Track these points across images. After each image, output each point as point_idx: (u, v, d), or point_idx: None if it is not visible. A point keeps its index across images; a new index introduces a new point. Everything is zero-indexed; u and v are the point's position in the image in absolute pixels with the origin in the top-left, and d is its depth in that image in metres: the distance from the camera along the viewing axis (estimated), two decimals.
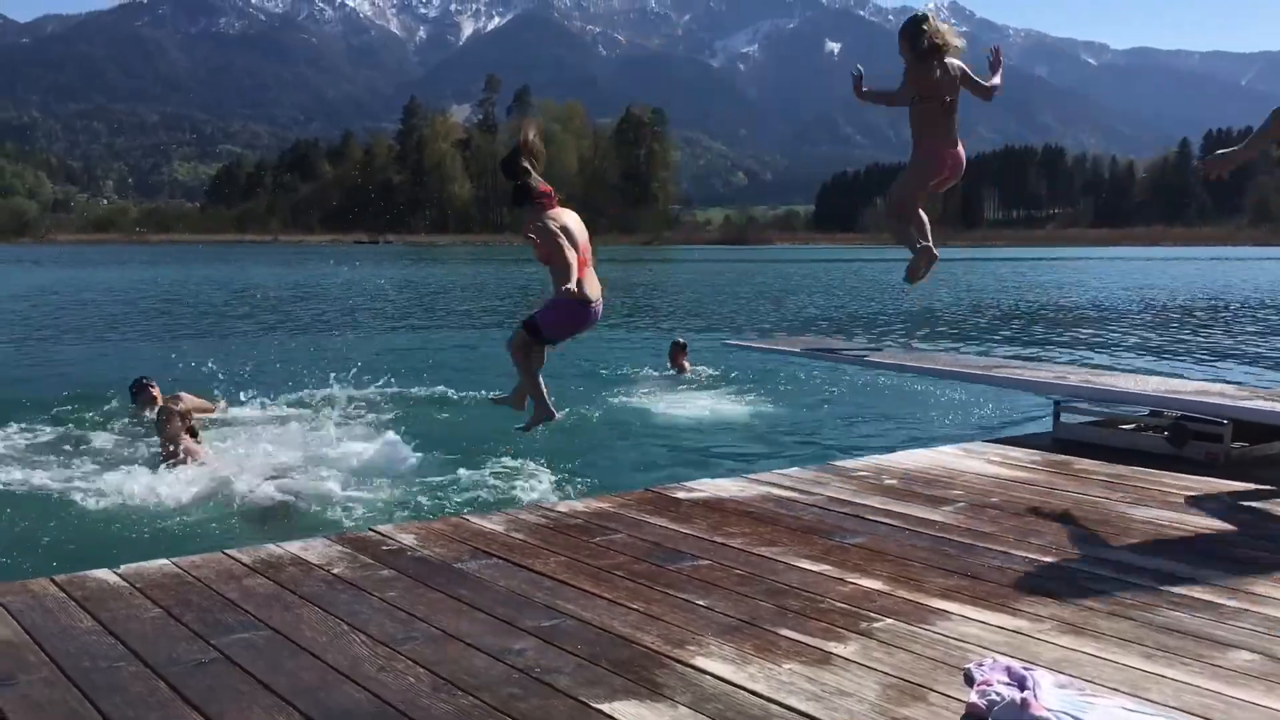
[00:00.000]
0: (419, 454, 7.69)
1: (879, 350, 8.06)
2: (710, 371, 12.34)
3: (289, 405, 9.74)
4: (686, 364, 12.54)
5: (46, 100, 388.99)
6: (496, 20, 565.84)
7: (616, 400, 10.59)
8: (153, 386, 9.43)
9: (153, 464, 7.32)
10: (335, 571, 3.43)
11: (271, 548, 3.71)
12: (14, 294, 31.09)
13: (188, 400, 8.24)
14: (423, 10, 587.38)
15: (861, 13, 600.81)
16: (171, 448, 7.24)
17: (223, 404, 9.66)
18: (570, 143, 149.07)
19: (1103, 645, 2.79)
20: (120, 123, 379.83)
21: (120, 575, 3.38)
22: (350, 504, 6.52)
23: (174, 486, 6.78)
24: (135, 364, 11.92)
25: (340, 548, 3.70)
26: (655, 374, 12.32)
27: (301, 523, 6.12)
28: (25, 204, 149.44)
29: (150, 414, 8.60)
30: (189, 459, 7.18)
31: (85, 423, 9.24)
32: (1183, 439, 5.25)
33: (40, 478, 7.18)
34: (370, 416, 9.50)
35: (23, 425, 8.88)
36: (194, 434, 7.45)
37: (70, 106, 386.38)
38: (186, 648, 2.76)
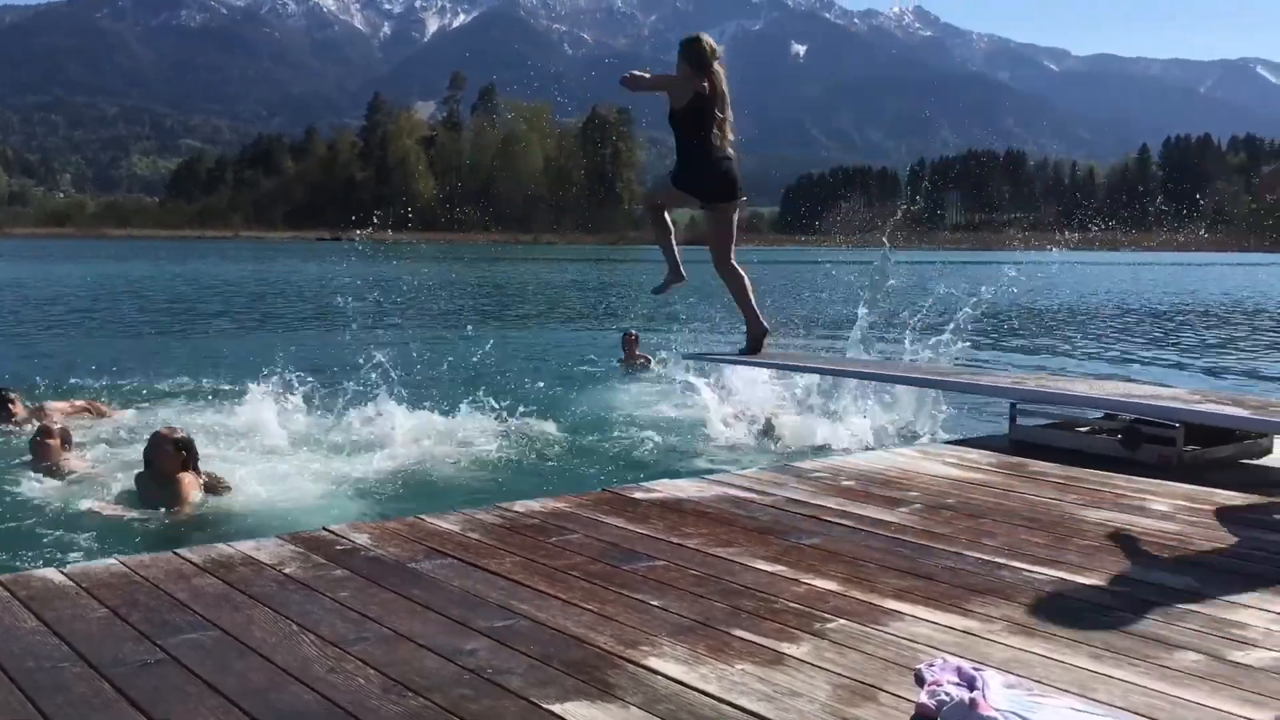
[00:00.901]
0: (377, 452, 7.64)
1: (840, 359, 8.11)
2: (663, 356, 12.37)
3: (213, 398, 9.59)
4: (639, 354, 12.63)
5: (2, 92, 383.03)
6: (462, 18, 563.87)
7: (574, 396, 10.58)
8: (12, 402, 8.31)
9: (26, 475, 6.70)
10: (287, 571, 3.39)
11: (222, 547, 3.67)
12: None
13: (54, 409, 7.61)
14: (387, 6, 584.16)
15: (827, 15, 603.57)
16: (51, 468, 6.72)
17: (112, 408, 9.06)
18: (536, 141, 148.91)
19: (1052, 646, 2.81)
20: (79, 115, 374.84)
21: (66, 575, 3.33)
22: (298, 504, 6.46)
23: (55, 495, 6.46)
24: (40, 362, 11.76)
25: (293, 547, 3.67)
26: (610, 367, 12.39)
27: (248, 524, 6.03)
28: None
29: (7, 426, 8.05)
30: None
31: None
32: (1136, 442, 5.31)
33: None
34: (327, 416, 9.41)
35: None
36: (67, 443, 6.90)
37: (28, 98, 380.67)
38: (133, 648, 2.72)
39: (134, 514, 6.04)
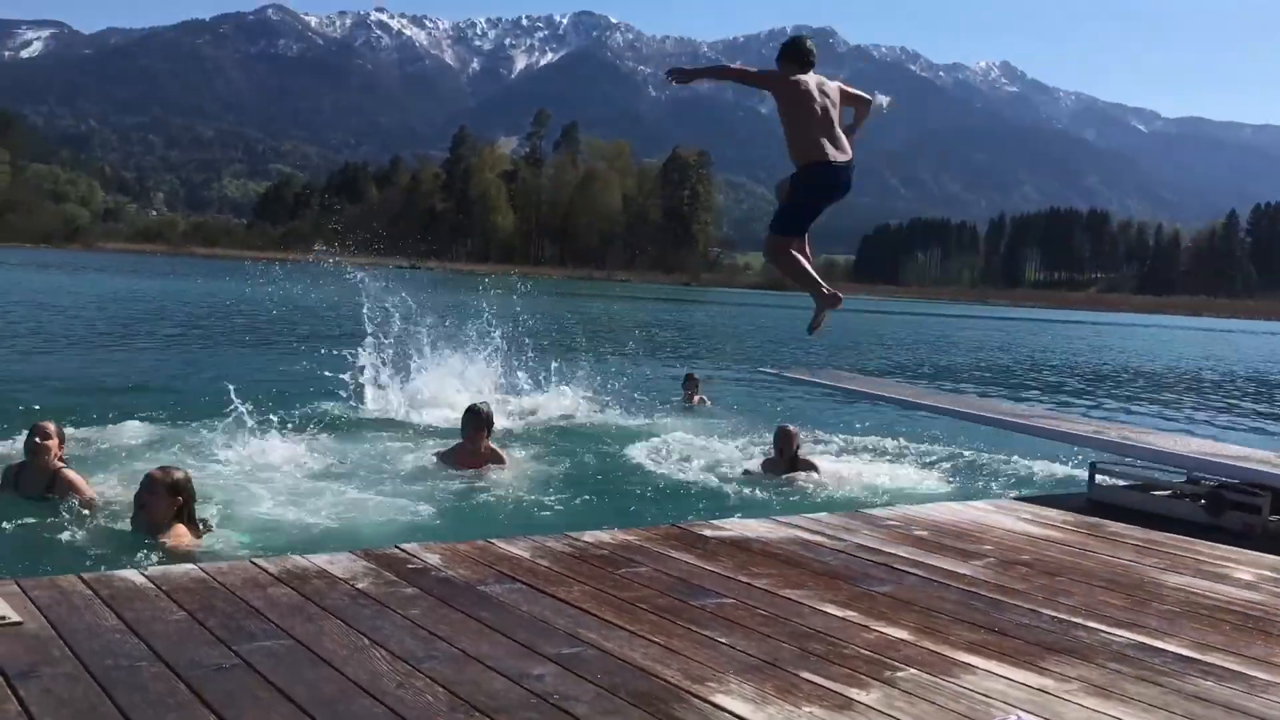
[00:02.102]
0: (451, 477, 7.68)
1: (920, 391, 8.02)
2: (715, 406, 12.51)
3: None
4: (697, 397, 12.70)
5: (104, 111, 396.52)
6: (550, 56, 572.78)
7: (641, 431, 10.53)
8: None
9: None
10: (360, 586, 3.43)
11: (298, 559, 3.73)
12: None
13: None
14: (477, 43, 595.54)
15: (912, 67, 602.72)
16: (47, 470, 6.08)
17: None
18: (615, 180, 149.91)
19: (1130, 709, 2.74)
20: (175, 137, 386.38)
21: (147, 577, 3.40)
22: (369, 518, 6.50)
23: None
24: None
25: (366, 563, 3.71)
26: (669, 405, 12.40)
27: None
28: (77, 211, 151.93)
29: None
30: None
31: None
32: (1220, 508, 5.17)
33: None
34: (405, 436, 9.51)
35: None
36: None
37: (127, 118, 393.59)
38: (208, 652, 2.77)
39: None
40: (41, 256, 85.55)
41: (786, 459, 8.30)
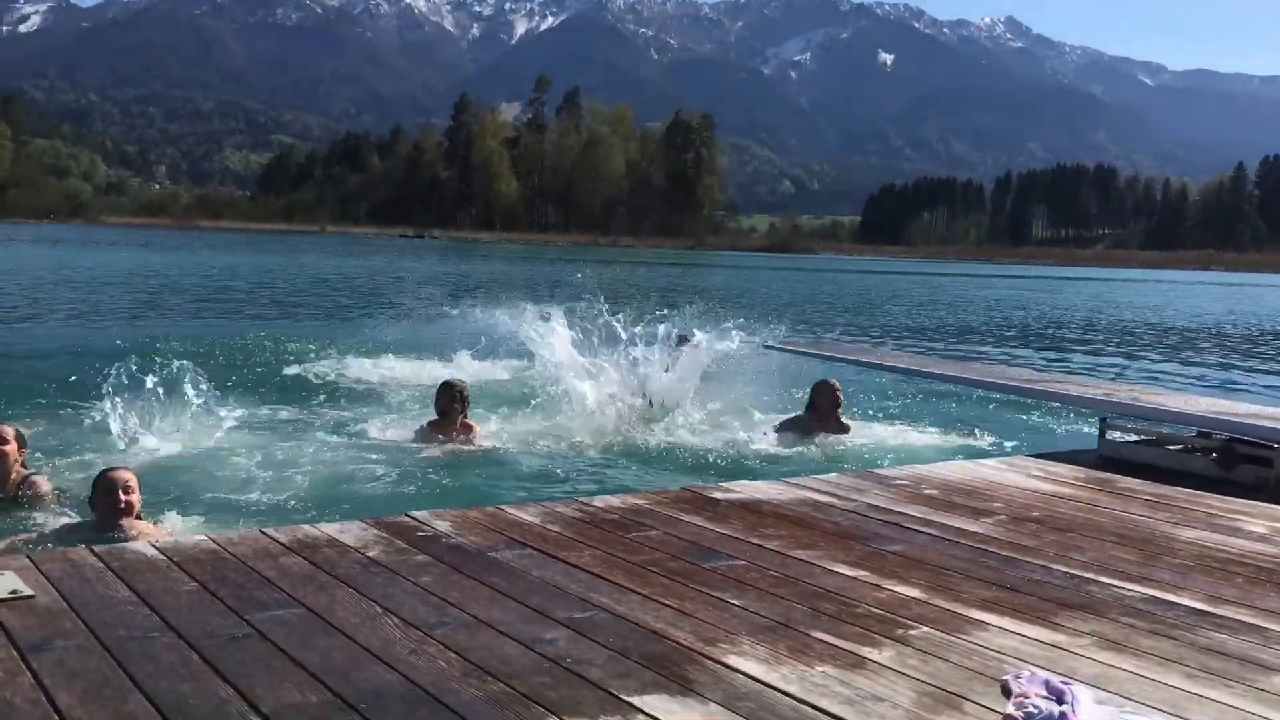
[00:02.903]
0: (451, 444, 7.68)
1: (924, 359, 7.97)
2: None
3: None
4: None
5: (104, 85, 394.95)
6: (550, 20, 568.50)
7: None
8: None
9: None
10: (371, 554, 3.44)
11: (308, 528, 3.73)
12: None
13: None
14: (477, 8, 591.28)
15: (916, 24, 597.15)
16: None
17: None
18: (618, 145, 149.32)
19: (1143, 663, 2.73)
20: (175, 109, 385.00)
21: (158, 549, 3.41)
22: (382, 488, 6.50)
23: None
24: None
25: (376, 531, 3.71)
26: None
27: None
28: (80, 186, 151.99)
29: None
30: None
31: None
32: (1232, 462, 5.15)
33: None
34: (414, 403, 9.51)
35: None
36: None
37: (128, 91, 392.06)
38: (220, 622, 2.77)
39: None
40: (53, 232, 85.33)
41: (828, 418, 7.86)
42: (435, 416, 7.74)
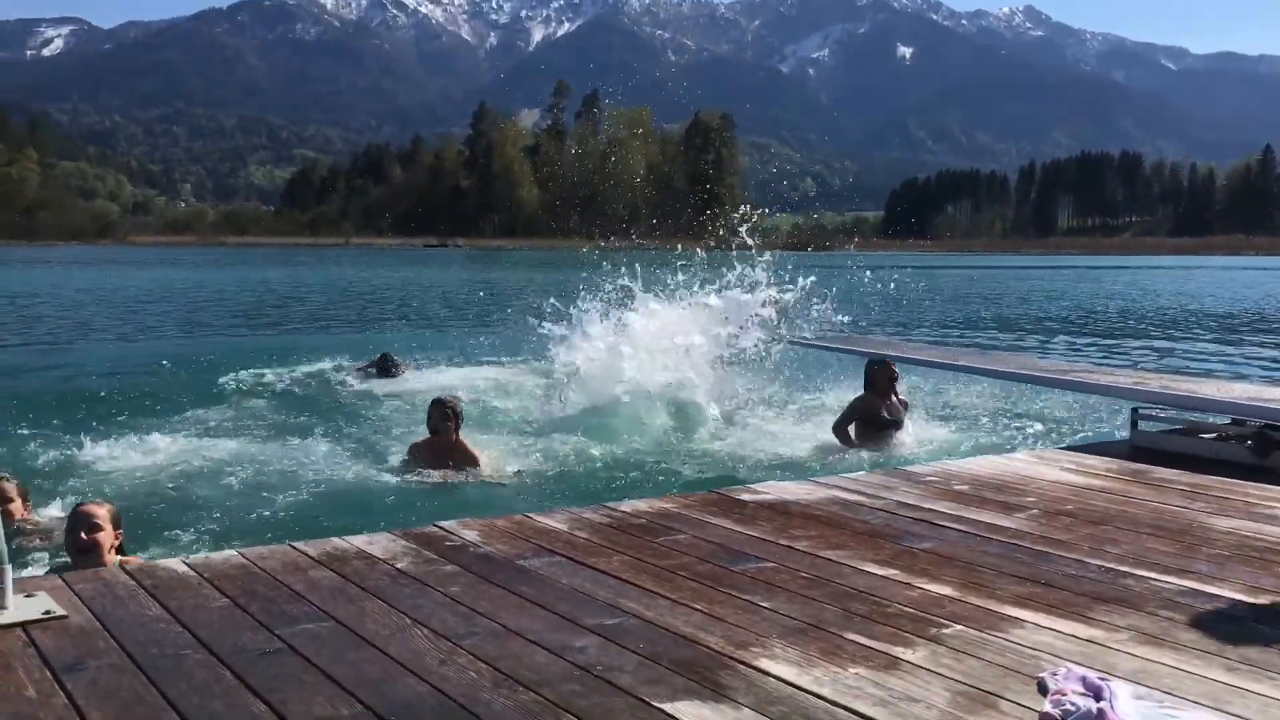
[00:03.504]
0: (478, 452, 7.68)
1: (954, 351, 7.92)
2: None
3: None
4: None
5: (128, 105, 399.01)
6: (566, 26, 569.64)
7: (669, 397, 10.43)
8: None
9: None
10: (399, 566, 3.44)
11: (337, 541, 3.74)
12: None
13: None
14: (494, 16, 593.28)
15: (934, 16, 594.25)
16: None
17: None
18: (638, 148, 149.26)
19: (1183, 657, 2.69)
20: (198, 127, 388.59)
21: (189, 565, 3.42)
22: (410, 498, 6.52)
23: None
24: None
25: (404, 543, 3.71)
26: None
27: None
28: (107, 206, 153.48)
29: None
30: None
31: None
32: (1267, 449, 5.08)
33: None
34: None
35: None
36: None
37: (151, 111, 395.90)
38: (251, 637, 2.78)
39: None
40: (85, 253, 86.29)
41: (887, 394, 7.79)
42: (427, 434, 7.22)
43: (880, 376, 7.88)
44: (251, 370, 12.19)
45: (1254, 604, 3.13)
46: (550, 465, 7.45)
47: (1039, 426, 8.95)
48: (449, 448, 7.09)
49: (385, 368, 11.89)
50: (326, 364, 12.73)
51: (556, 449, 7.83)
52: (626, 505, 4.34)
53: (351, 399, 10.65)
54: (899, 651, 2.71)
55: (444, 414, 7.10)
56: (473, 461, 7.06)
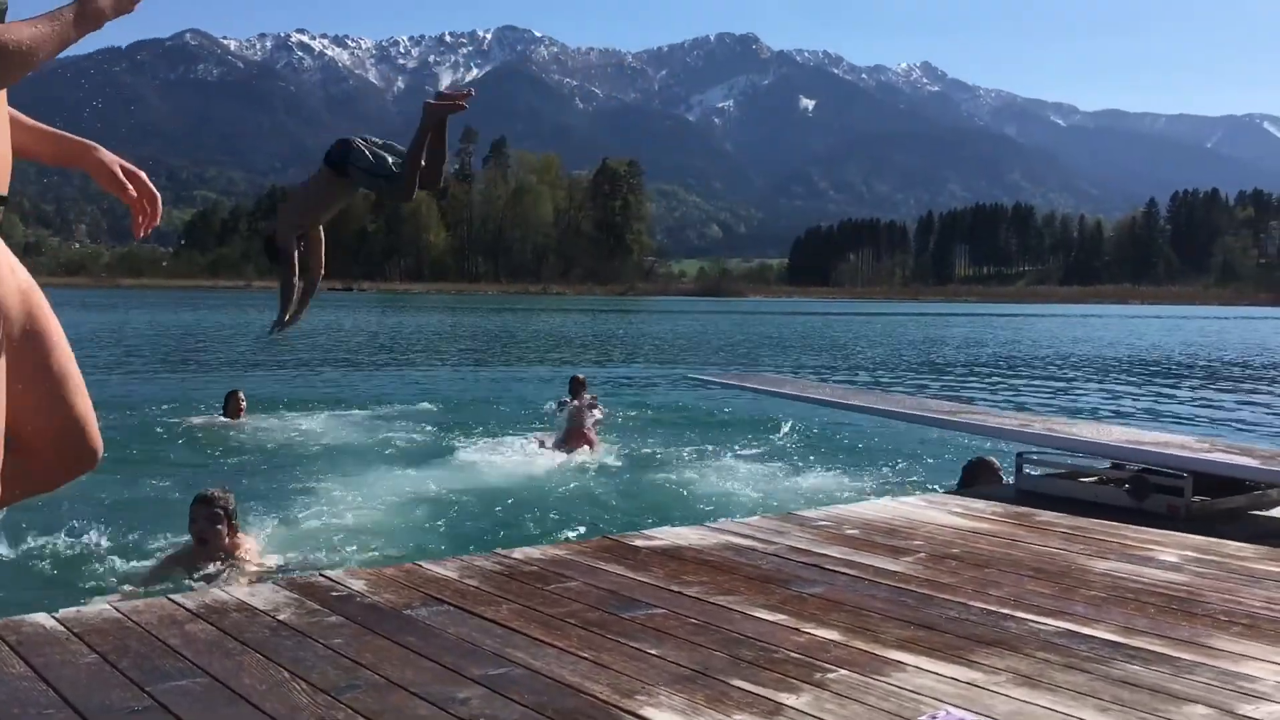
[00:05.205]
0: (370, 501, 7.59)
1: (846, 390, 8.06)
2: (605, 411, 12.10)
3: None
4: (589, 395, 12.38)
5: None
6: (475, 72, 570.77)
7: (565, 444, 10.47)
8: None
9: None
10: (281, 617, 3.35)
11: (217, 592, 3.64)
12: None
13: None
14: (401, 61, 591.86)
15: (835, 70, 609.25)
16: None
17: None
18: (546, 194, 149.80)
19: (1058, 698, 2.75)
20: None
21: (58, 620, 3.29)
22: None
23: None
24: None
25: (288, 593, 3.62)
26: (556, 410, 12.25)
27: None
28: None
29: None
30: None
31: None
32: (1144, 492, 5.25)
33: None
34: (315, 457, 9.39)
35: None
36: None
37: None
38: (120, 695, 2.67)
39: None
40: None
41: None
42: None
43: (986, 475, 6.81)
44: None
45: (1126, 644, 3.22)
46: (440, 511, 7.38)
47: (930, 463, 9.16)
48: (223, 550, 5.60)
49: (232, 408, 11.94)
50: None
51: (445, 495, 7.76)
52: (519, 552, 4.30)
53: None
54: (783, 697, 2.72)
55: (212, 515, 5.56)
56: (252, 563, 5.63)
